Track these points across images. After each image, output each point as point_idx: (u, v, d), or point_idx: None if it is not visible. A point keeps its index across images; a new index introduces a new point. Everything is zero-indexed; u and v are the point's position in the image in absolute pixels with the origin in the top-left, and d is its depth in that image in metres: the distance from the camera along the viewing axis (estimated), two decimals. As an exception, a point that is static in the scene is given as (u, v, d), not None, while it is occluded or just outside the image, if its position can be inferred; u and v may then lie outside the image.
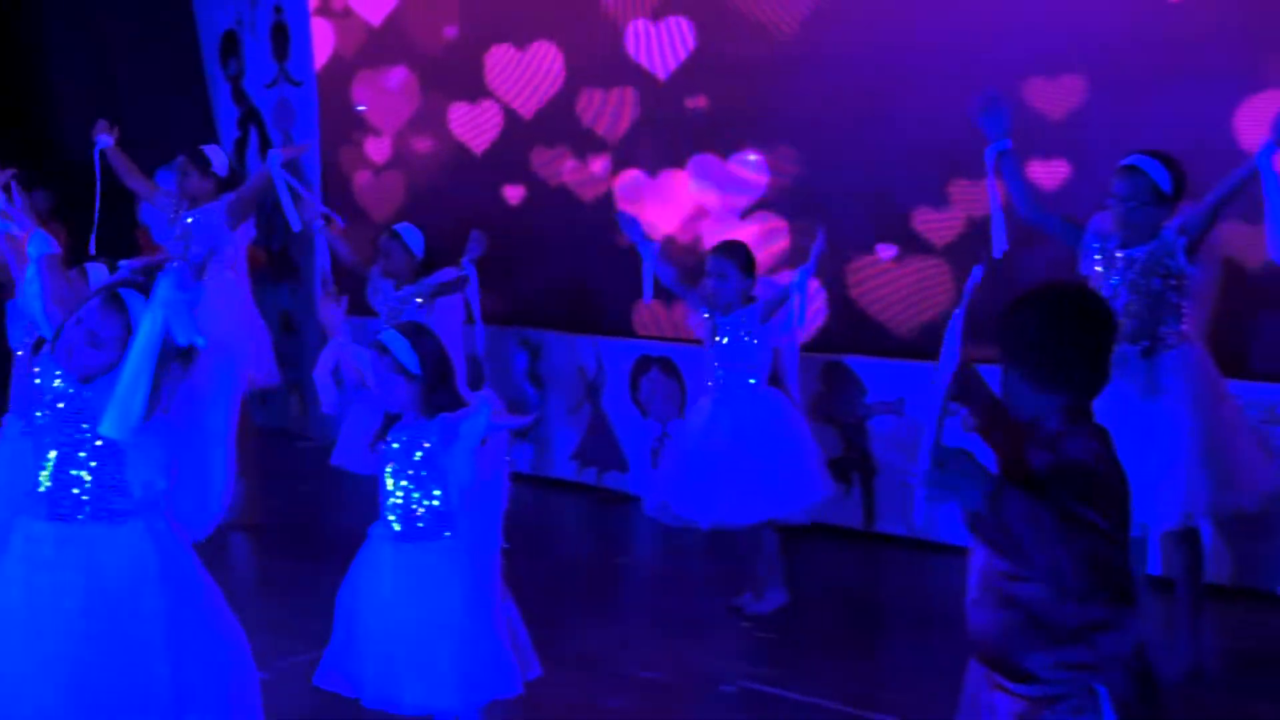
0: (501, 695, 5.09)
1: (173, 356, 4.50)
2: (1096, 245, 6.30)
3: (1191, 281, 6.17)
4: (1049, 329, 3.53)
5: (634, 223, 7.80)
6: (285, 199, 8.53)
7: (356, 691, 5.09)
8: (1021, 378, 3.54)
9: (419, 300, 8.45)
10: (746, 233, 8.74)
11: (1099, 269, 6.28)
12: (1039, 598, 3.42)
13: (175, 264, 8.15)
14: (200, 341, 4.50)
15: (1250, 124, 7.20)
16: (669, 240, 9.52)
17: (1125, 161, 6.19)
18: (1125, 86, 7.71)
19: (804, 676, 6.53)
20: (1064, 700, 3.45)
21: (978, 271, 3.59)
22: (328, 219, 9.01)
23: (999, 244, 6.61)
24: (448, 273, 8.45)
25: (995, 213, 6.64)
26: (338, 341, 5.71)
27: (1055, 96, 7.98)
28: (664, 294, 7.83)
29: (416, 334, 5.15)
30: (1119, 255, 6.22)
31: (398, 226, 8.76)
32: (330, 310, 5.84)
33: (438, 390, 5.05)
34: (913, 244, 8.60)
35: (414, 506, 5.05)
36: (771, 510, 7.24)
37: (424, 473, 5.02)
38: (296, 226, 8.65)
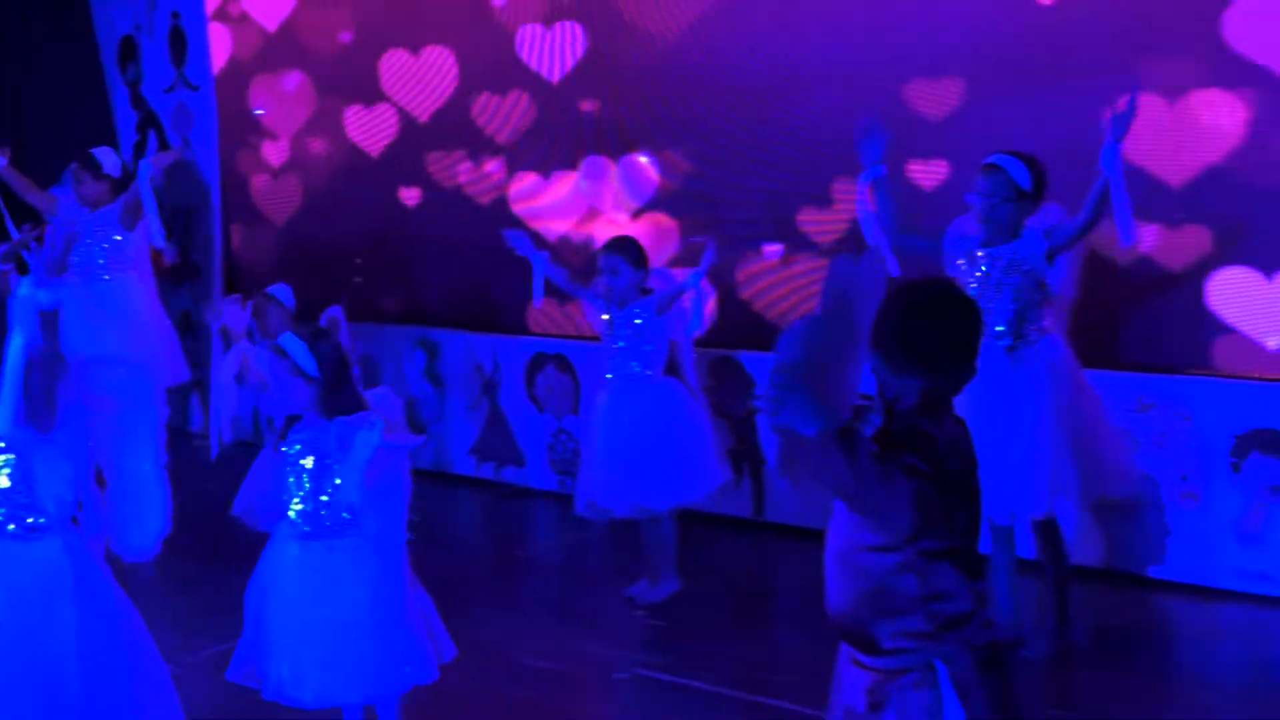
0: (419, 682, 5.22)
1: (51, 360, 4.59)
2: (960, 245, 6.45)
3: (1053, 279, 6.35)
4: (909, 320, 3.72)
5: (521, 237, 7.88)
6: (150, 208, 8.66)
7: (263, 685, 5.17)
8: (884, 363, 3.72)
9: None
10: (639, 233, 8.85)
11: (961, 264, 6.43)
12: (889, 568, 3.61)
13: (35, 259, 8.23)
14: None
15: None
16: (563, 240, 9.69)
17: (987, 160, 6.35)
18: (1001, 88, 7.89)
19: (696, 662, 6.65)
20: (906, 674, 3.61)
21: (868, 256, 3.79)
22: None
23: (893, 265, 6.60)
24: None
25: (879, 235, 6.66)
26: (242, 344, 5.82)
27: (934, 98, 8.16)
28: (557, 294, 7.97)
29: (314, 337, 5.23)
30: (980, 254, 6.38)
31: (270, 289, 7.83)
32: (234, 313, 5.95)
33: (336, 392, 5.13)
34: (799, 243, 8.79)
35: (317, 506, 5.12)
36: (678, 496, 7.40)
37: (323, 473, 5.10)
38: (159, 242, 8.74)
